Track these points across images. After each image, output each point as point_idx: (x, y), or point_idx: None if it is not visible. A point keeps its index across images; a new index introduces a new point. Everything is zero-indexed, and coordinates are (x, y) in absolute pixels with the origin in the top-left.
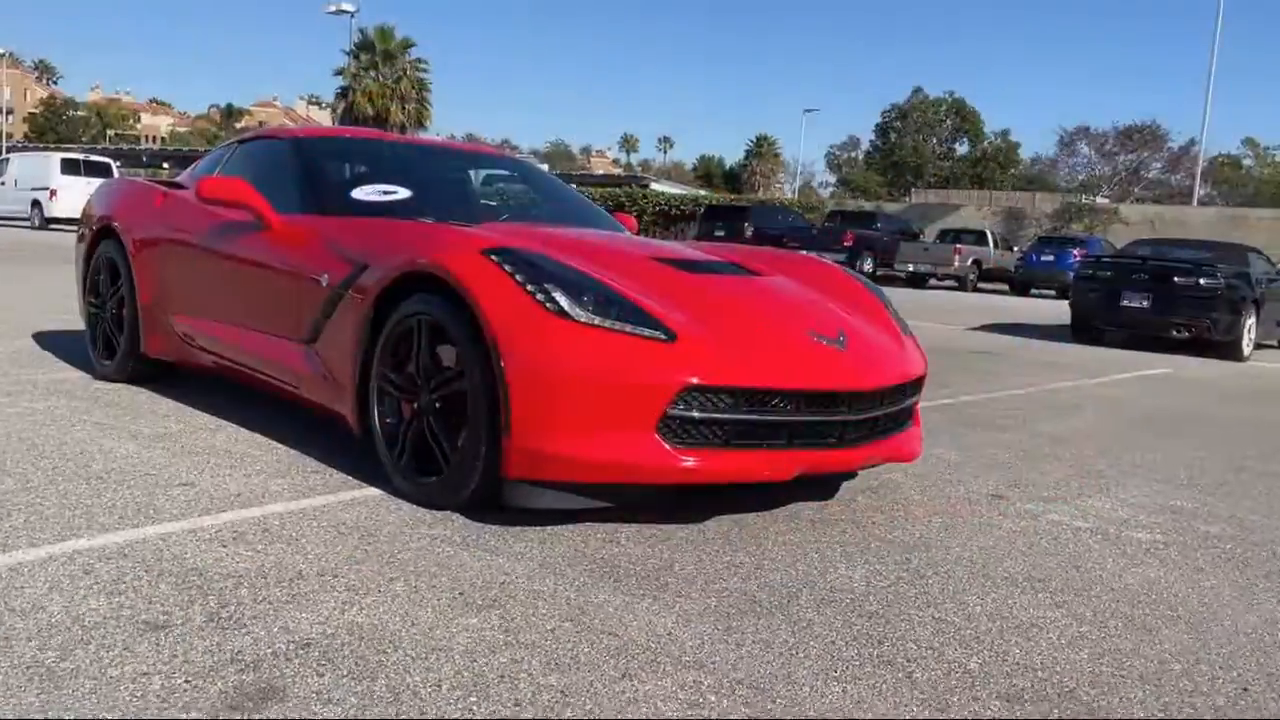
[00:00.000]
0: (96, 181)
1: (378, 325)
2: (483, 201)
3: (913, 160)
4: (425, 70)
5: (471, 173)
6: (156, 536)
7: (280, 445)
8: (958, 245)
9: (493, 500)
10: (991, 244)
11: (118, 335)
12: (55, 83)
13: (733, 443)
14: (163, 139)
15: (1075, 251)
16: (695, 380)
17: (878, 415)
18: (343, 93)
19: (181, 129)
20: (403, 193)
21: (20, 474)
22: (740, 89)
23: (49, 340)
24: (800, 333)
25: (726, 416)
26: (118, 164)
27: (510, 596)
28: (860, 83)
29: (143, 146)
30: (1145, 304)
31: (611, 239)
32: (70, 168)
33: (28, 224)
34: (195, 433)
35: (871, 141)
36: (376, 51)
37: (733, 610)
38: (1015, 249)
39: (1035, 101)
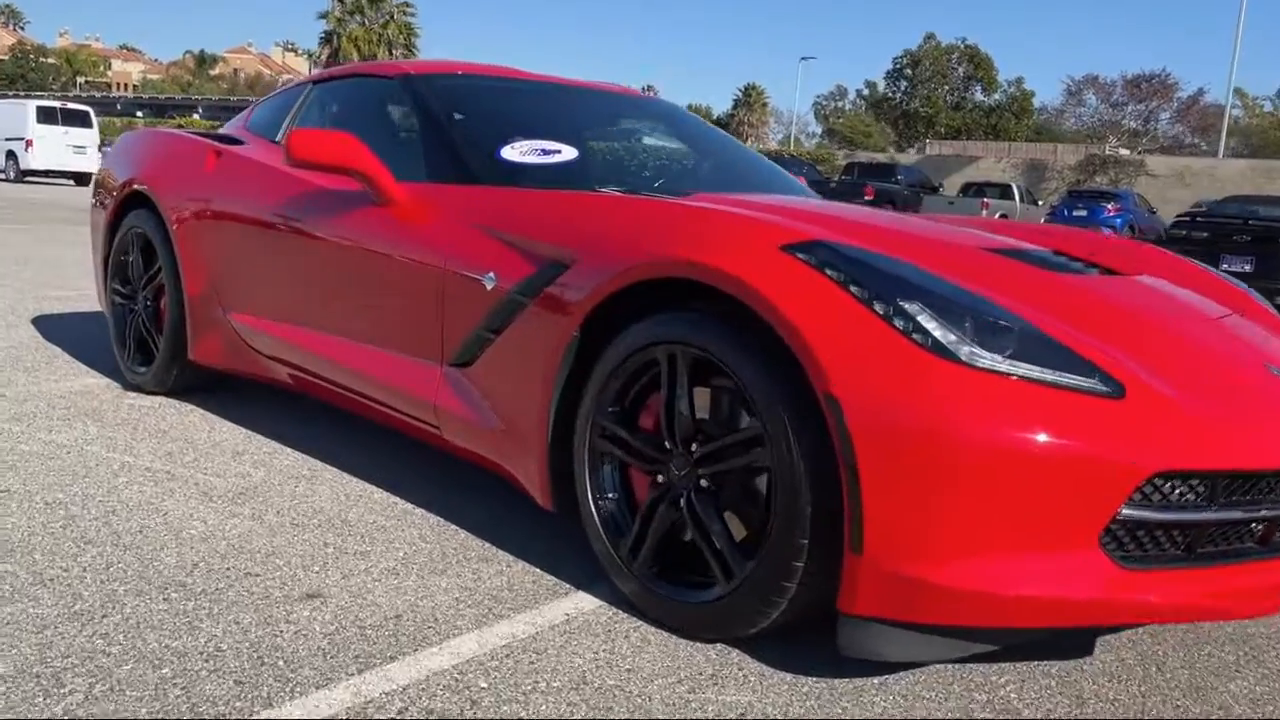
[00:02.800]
0: (74, 131)
1: (589, 352)
2: (651, 162)
3: (924, 110)
4: (412, 15)
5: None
6: None
7: (414, 508)
8: (984, 199)
9: (793, 628)
10: (1017, 198)
11: (155, 335)
12: (22, 28)
13: (1196, 554)
14: (135, 86)
15: (1109, 206)
16: (1165, 461)
17: None
18: (327, 38)
19: (154, 76)
20: (567, 151)
21: (62, 580)
22: (728, 34)
23: (54, 327)
24: (1262, 370)
25: (1195, 516)
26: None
27: None
28: (852, 29)
29: (116, 94)
30: (1247, 268)
31: (903, 220)
32: (46, 116)
33: (2, 176)
34: (286, 485)
35: (858, 90)
36: None
37: None
38: (1040, 203)
39: (1040, 51)
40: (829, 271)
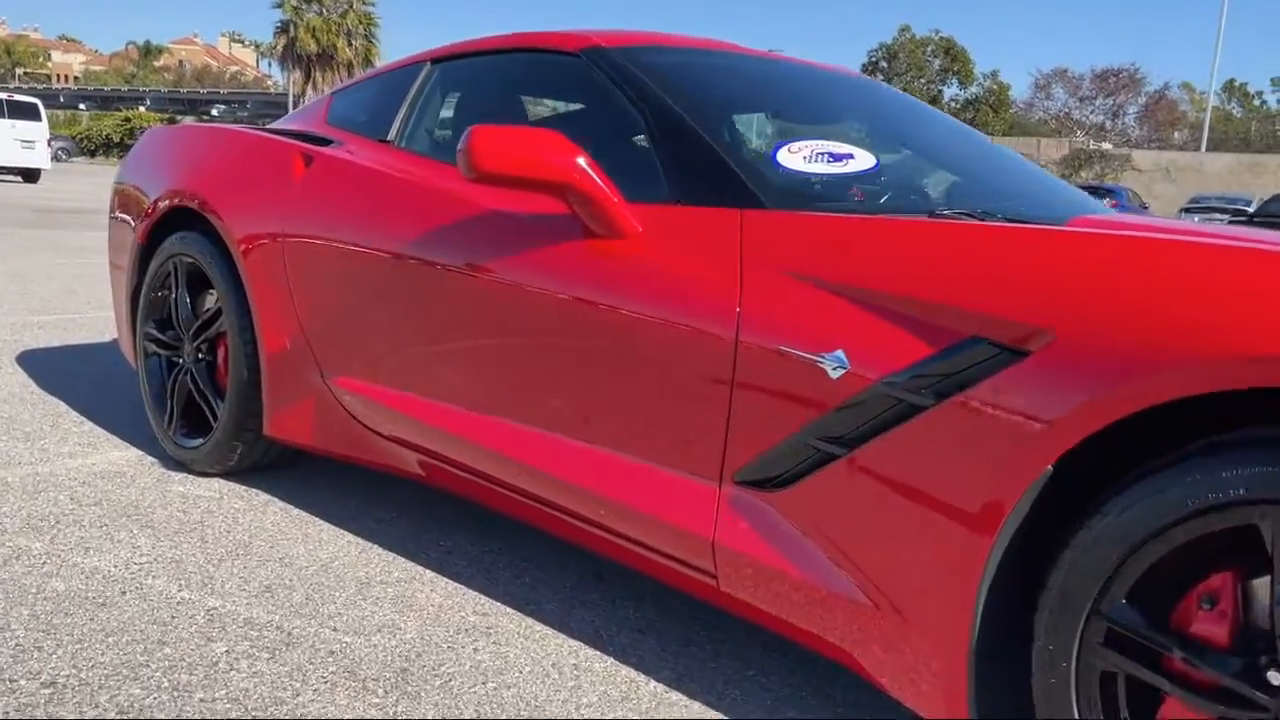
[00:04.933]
0: (21, 125)
1: (1051, 494)
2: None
3: None
4: (371, 4)
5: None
6: None
7: (665, 690)
8: None
9: None
10: None
11: (214, 399)
12: None
13: None
14: (76, 78)
15: (1105, 202)
16: None
17: None
18: (283, 27)
19: (96, 68)
20: (861, 157)
21: None
22: (699, 25)
23: (46, 368)
24: None
25: None
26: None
27: None
28: (824, 21)
29: (58, 86)
30: None
31: None
32: None
33: None
34: (460, 646)
35: None
36: None
37: None
38: None
39: (1008, 44)
40: None
